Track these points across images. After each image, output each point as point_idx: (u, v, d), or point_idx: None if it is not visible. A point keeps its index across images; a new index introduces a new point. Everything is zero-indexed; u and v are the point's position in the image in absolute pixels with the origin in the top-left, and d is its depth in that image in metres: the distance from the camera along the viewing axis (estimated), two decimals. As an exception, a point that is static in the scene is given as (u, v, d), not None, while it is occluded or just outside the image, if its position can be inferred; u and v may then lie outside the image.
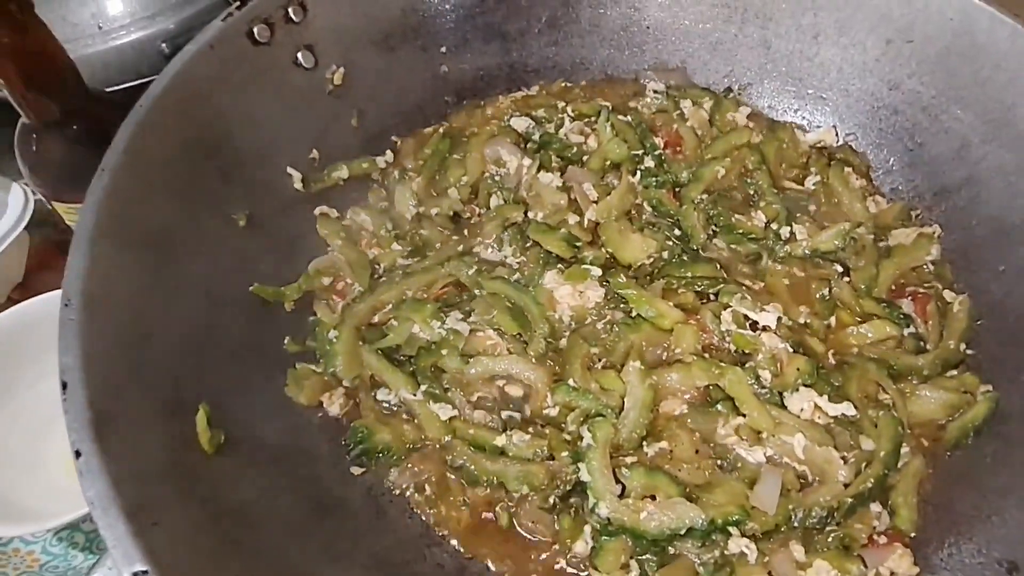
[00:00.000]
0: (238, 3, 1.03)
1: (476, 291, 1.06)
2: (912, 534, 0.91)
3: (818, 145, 1.28)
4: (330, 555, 0.81)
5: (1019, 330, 1.03)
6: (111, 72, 1.41)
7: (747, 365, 0.99)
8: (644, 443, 0.94)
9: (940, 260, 1.14)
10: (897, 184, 1.24)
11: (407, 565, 0.87)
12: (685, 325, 1.02)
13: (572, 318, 1.05)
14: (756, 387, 0.97)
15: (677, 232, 1.14)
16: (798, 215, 1.18)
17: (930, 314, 1.08)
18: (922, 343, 1.07)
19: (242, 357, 0.92)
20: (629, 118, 1.26)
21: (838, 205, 1.20)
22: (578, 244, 1.09)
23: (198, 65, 0.97)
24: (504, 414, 0.97)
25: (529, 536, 0.91)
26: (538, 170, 1.18)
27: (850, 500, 0.89)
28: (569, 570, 0.89)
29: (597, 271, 1.06)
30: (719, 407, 0.97)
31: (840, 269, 1.12)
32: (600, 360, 1.01)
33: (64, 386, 0.68)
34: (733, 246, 1.14)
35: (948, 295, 1.11)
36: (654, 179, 1.18)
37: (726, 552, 0.87)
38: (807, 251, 1.13)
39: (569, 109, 1.28)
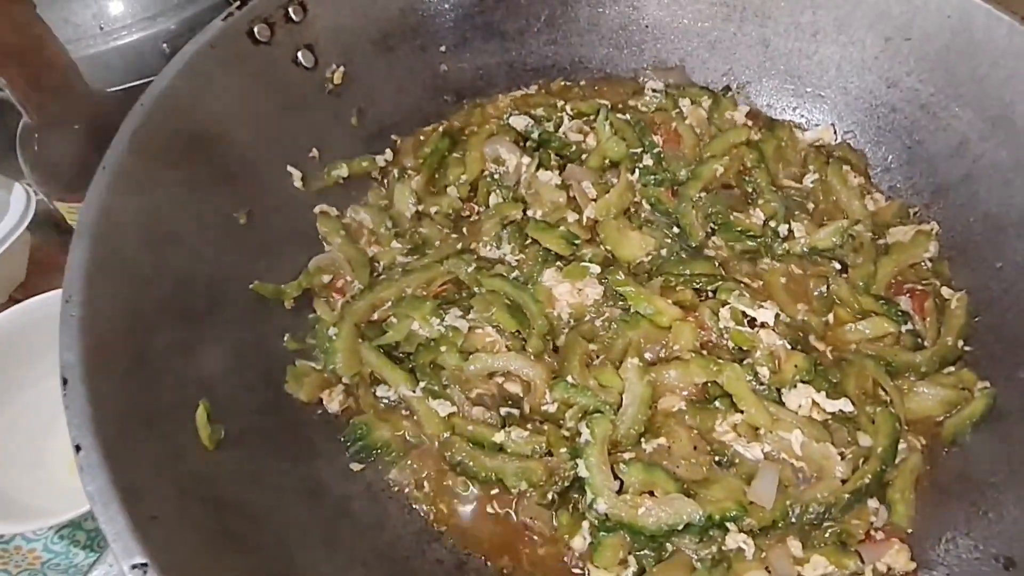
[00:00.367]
0: (238, 3, 1.03)
1: (475, 288, 1.06)
2: (909, 530, 0.91)
3: (816, 143, 1.28)
4: (330, 550, 0.81)
5: (1017, 327, 1.03)
6: (112, 72, 1.42)
7: (745, 362, 0.99)
8: (642, 439, 0.94)
9: (938, 257, 1.15)
10: (895, 182, 1.24)
11: (406, 561, 0.87)
12: (683, 322, 1.02)
13: (571, 315, 1.05)
14: (754, 384, 0.97)
15: (675, 230, 1.14)
16: (796, 213, 1.18)
17: (928, 311, 1.08)
18: (920, 340, 1.07)
19: (242, 354, 0.93)
20: (628, 117, 1.26)
21: (836, 203, 1.21)
22: (577, 242, 1.10)
23: (199, 64, 0.97)
24: (503, 411, 0.97)
25: (527, 532, 0.91)
26: (537, 168, 1.19)
27: (847, 496, 0.89)
28: (567, 566, 0.90)
29: (596, 268, 1.06)
30: (717, 404, 0.97)
31: (838, 266, 1.13)
32: (598, 357, 1.01)
33: (64, 382, 0.69)
34: (731, 244, 1.14)
35: (946, 292, 1.11)
36: (653, 177, 1.19)
37: (724, 548, 0.88)
38: (805, 249, 1.14)
39: (568, 108, 1.28)
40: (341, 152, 1.17)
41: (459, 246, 1.12)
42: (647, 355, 1.01)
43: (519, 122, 1.24)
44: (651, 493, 0.89)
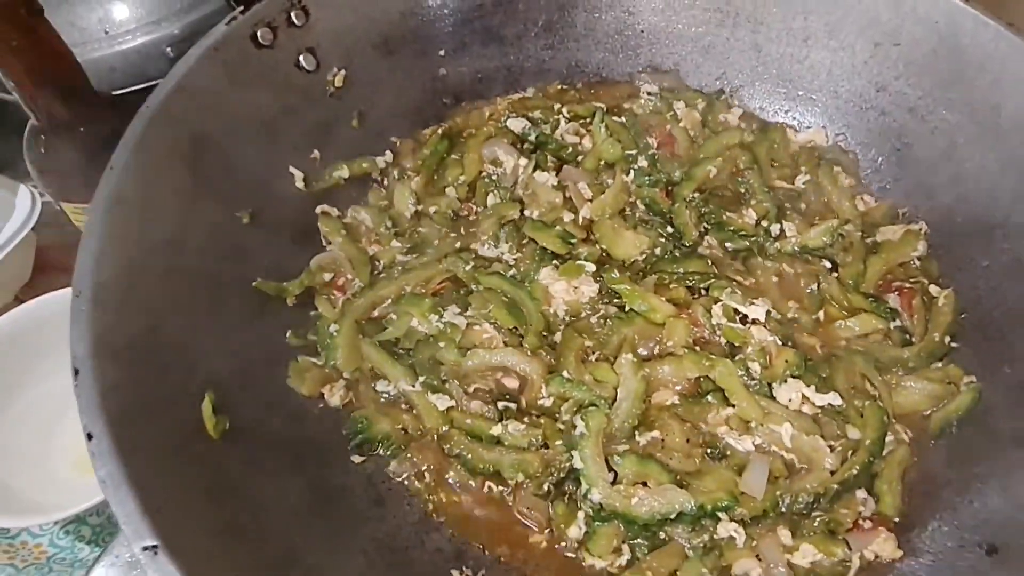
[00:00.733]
0: (242, 7, 1.05)
1: (473, 286, 1.08)
2: (896, 519, 0.93)
3: (808, 145, 1.30)
4: (332, 539, 0.83)
5: (1002, 323, 1.05)
6: (117, 75, 1.44)
7: (737, 357, 1.02)
8: (636, 432, 0.96)
9: (926, 256, 1.17)
10: (885, 183, 1.26)
11: (406, 550, 0.89)
12: (677, 319, 1.04)
13: (567, 312, 1.07)
14: (746, 378, 1.00)
15: (669, 229, 1.17)
16: (788, 213, 1.20)
17: (916, 308, 1.11)
18: (908, 336, 1.09)
19: (246, 349, 0.94)
20: (623, 119, 1.28)
21: (827, 203, 1.23)
22: (573, 241, 1.12)
23: (203, 67, 0.99)
24: (500, 404, 0.99)
25: (524, 522, 0.93)
26: (534, 169, 1.21)
27: (836, 486, 0.92)
28: (563, 554, 0.92)
29: (591, 267, 1.09)
30: (709, 398, 0.99)
31: (829, 265, 1.15)
32: (594, 353, 1.03)
33: (76, 372, 0.71)
34: (724, 243, 1.16)
35: (933, 290, 1.13)
36: (647, 178, 1.21)
37: (715, 536, 0.90)
38: (797, 248, 1.16)
39: (565, 110, 1.30)
40: (342, 153, 1.18)
41: (457, 245, 1.14)
42: (641, 351, 1.03)
43: (516, 124, 1.26)
44: (644, 484, 0.91)
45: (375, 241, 1.15)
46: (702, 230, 1.17)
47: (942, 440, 1.00)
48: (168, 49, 1.44)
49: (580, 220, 1.16)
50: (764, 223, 1.18)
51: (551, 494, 0.94)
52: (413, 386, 1.00)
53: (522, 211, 1.17)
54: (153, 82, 1.42)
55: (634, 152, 1.24)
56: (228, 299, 0.96)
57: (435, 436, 0.98)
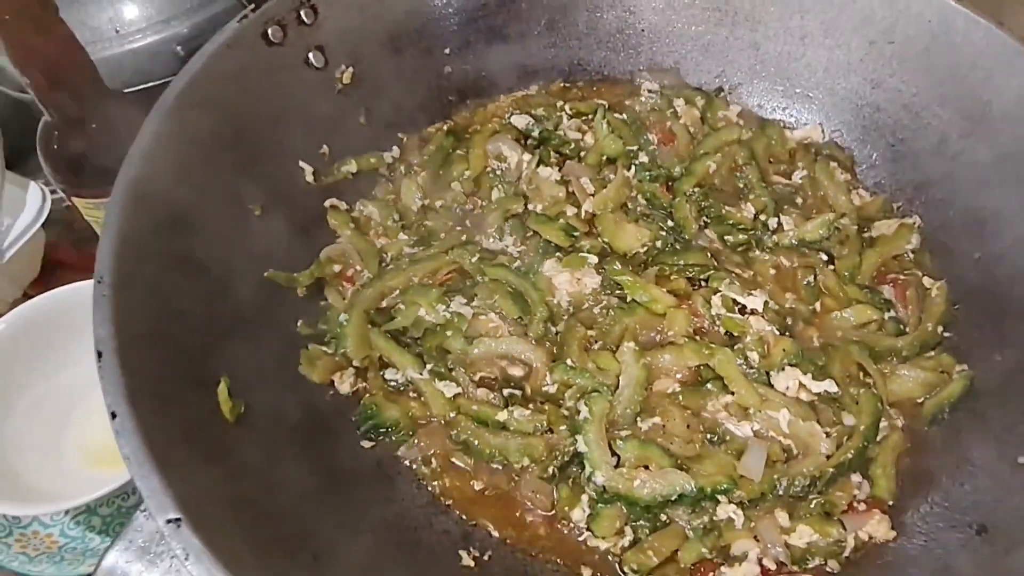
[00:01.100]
0: (253, 5, 1.08)
1: (479, 277, 1.10)
2: (890, 502, 0.96)
3: (805, 141, 1.33)
4: (343, 519, 0.85)
5: (993, 314, 1.08)
6: (127, 74, 1.46)
7: (736, 347, 1.04)
8: (638, 419, 0.98)
9: (920, 249, 1.19)
10: (880, 178, 1.29)
11: (415, 531, 0.91)
12: (677, 309, 1.06)
13: (570, 303, 1.10)
14: (744, 367, 1.02)
15: (670, 223, 1.19)
16: (785, 207, 1.23)
17: (910, 299, 1.13)
18: (902, 326, 1.12)
19: (259, 337, 0.97)
20: (624, 116, 1.31)
21: (823, 198, 1.25)
22: (576, 234, 1.14)
23: (216, 63, 1.01)
24: (505, 391, 1.01)
25: (529, 505, 0.96)
26: (538, 165, 1.23)
27: (831, 470, 0.94)
28: (567, 536, 0.94)
29: (594, 259, 1.11)
30: (709, 386, 1.02)
31: (825, 258, 1.17)
32: (596, 342, 1.06)
33: (99, 355, 0.73)
34: (723, 236, 1.18)
35: (927, 281, 1.16)
36: (648, 173, 1.23)
37: (715, 518, 0.92)
38: (794, 241, 1.18)
39: (567, 107, 1.33)
40: (350, 149, 1.20)
41: (463, 238, 1.16)
42: (643, 340, 1.05)
43: (520, 121, 1.29)
44: (646, 468, 0.94)
45: (383, 234, 1.18)
46: (702, 224, 1.20)
47: (935, 426, 1.03)
48: (178, 48, 1.46)
49: (583, 214, 1.18)
50: (762, 217, 1.21)
51: (556, 477, 0.96)
52: (421, 374, 1.02)
53: (526, 205, 1.20)
54: (163, 80, 1.46)
55: (635, 148, 1.26)
56: (241, 289, 0.98)
57: (442, 422, 1.00)
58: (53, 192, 1.43)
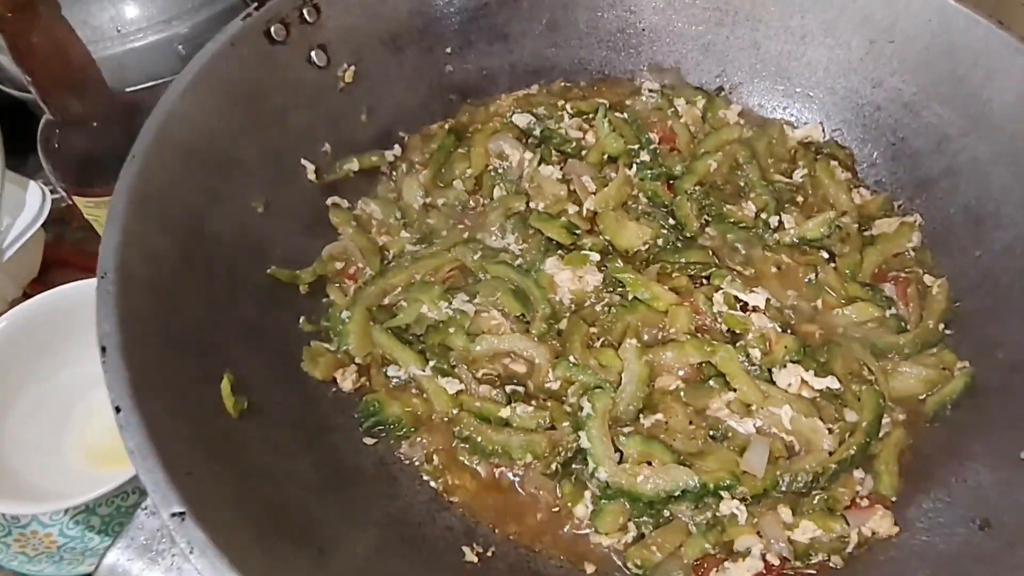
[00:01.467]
0: (256, 4, 1.08)
1: (481, 275, 1.10)
2: (893, 498, 0.96)
3: (805, 140, 1.33)
4: (347, 514, 0.85)
5: (994, 311, 1.08)
6: (129, 73, 1.46)
7: (738, 344, 1.04)
8: (641, 415, 0.98)
9: (920, 247, 1.20)
10: (880, 176, 1.29)
11: (419, 527, 0.91)
12: (679, 307, 1.07)
13: (572, 300, 1.09)
14: (746, 364, 1.02)
15: (671, 221, 1.19)
16: (786, 205, 1.23)
17: (911, 297, 1.14)
18: (903, 324, 1.12)
19: (261, 334, 0.97)
20: (625, 115, 1.31)
21: (824, 196, 1.26)
22: (577, 232, 1.14)
23: (220, 61, 1.01)
24: (508, 388, 1.01)
25: (532, 501, 0.95)
26: (539, 163, 1.23)
27: (834, 466, 0.94)
28: (571, 532, 0.94)
29: (596, 257, 1.11)
30: (711, 382, 1.01)
31: (826, 255, 1.17)
32: (599, 339, 1.06)
33: (103, 350, 0.73)
34: (725, 234, 1.18)
35: (928, 279, 1.16)
36: (649, 172, 1.23)
37: (718, 514, 0.92)
38: (795, 239, 1.19)
39: (568, 106, 1.33)
40: (352, 147, 1.21)
41: (465, 235, 1.16)
42: (645, 337, 1.06)
43: (521, 120, 1.29)
44: (649, 464, 0.94)
45: (384, 232, 1.18)
46: (703, 222, 1.20)
47: (937, 422, 1.03)
48: (180, 47, 1.47)
49: (584, 212, 1.18)
50: (763, 215, 1.21)
51: (559, 474, 0.96)
52: (423, 371, 1.02)
53: (528, 203, 1.20)
54: (164, 79, 1.46)
55: (636, 147, 1.27)
56: (244, 285, 0.98)
57: (445, 419, 1.00)
58: (52, 191, 1.43)
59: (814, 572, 0.91)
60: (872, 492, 0.96)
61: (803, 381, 1.01)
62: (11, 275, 1.43)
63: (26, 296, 1.38)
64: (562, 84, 1.40)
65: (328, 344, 1.04)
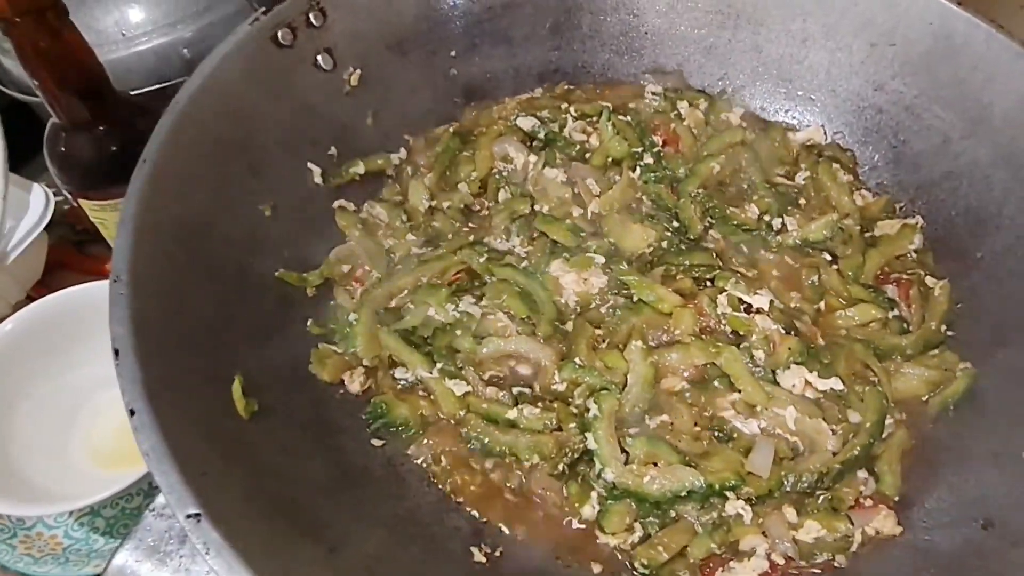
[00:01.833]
0: (264, 8, 1.09)
1: (487, 277, 1.11)
2: (896, 498, 0.96)
3: (807, 143, 1.34)
4: (356, 514, 0.86)
5: (996, 312, 1.09)
6: (133, 77, 1.47)
7: (742, 345, 1.05)
8: (646, 417, 0.99)
9: (922, 249, 1.20)
10: (882, 179, 1.30)
11: (427, 527, 0.92)
12: (683, 309, 1.07)
13: (577, 303, 1.10)
14: (750, 365, 1.03)
15: (675, 223, 1.20)
16: (789, 208, 1.24)
17: (913, 298, 1.14)
18: (905, 325, 1.13)
19: (269, 336, 0.98)
20: (629, 118, 1.32)
21: (826, 198, 1.26)
22: (582, 234, 1.15)
23: (228, 65, 1.02)
24: (515, 390, 1.02)
25: (539, 502, 0.96)
26: (543, 166, 1.24)
27: (838, 467, 0.95)
28: (578, 533, 0.95)
29: (600, 259, 1.12)
30: (716, 384, 1.02)
31: (829, 257, 1.18)
32: (604, 341, 1.06)
33: (116, 352, 0.73)
34: (728, 236, 1.19)
35: (930, 281, 1.17)
36: (653, 174, 1.24)
37: (723, 514, 0.93)
38: (798, 241, 1.19)
39: (572, 109, 1.33)
40: (358, 150, 1.21)
41: (471, 238, 1.17)
42: (650, 339, 1.06)
43: (526, 123, 1.30)
44: (655, 464, 0.95)
45: (390, 235, 1.18)
46: (706, 224, 1.20)
47: (939, 423, 1.04)
48: (185, 51, 1.47)
49: (589, 214, 1.19)
50: (766, 217, 1.22)
51: (565, 475, 0.96)
52: (430, 373, 1.02)
53: (532, 206, 1.20)
54: (168, 83, 1.47)
55: (640, 149, 1.27)
56: (252, 287, 0.99)
57: (452, 421, 1.00)
58: (56, 194, 1.43)
59: (819, 571, 0.92)
60: (875, 492, 0.97)
61: (807, 382, 1.02)
62: (15, 277, 1.44)
63: (29, 299, 1.39)
64: (566, 87, 1.41)
65: (336, 346, 1.05)
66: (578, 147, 1.28)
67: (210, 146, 0.98)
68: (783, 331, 1.06)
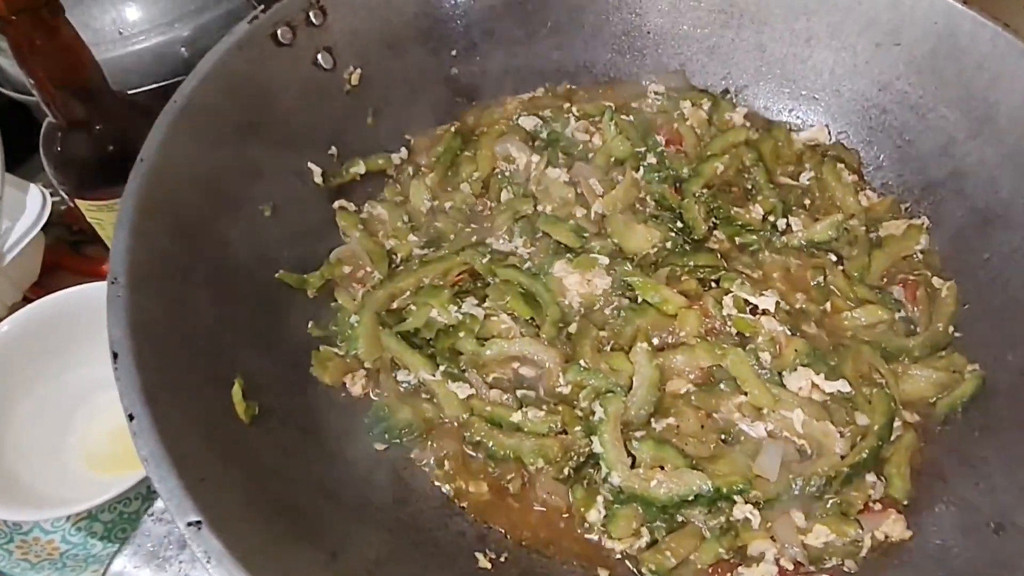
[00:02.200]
0: (263, 6, 1.07)
1: (490, 278, 1.10)
2: (905, 501, 0.95)
3: (811, 143, 1.33)
4: (358, 519, 0.85)
5: (1003, 313, 1.08)
6: (131, 76, 1.45)
7: (748, 347, 1.04)
8: (652, 420, 0.98)
9: (929, 249, 1.20)
10: (887, 179, 1.29)
11: (430, 532, 0.91)
12: (688, 310, 1.06)
13: (581, 304, 1.09)
14: (756, 367, 1.01)
15: (679, 224, 1.19)
16: (794, 208, 1.23)
17: (920, 299, 1.13)
18: (912, 326, 1.12)
19: (270, 338, 0.97)
20: (631, 118, 1.31)
21: (831, 199, 1.25)
22: (586, 235, 1.14)
23: (227, 64, 1.01)
24: (519, 392, 1.01)
25: (544, 507, 0.95)
26: (546, 166, 1.23)
27: (846, 471, 0.94)
28: (584, 538, 0.93)
29: (604, 260, 1.10)
30: (722, 386, 1.01)
31: (834, 258, 1.17)
32: (609, 343, 1.05)
33: (115, 356, 0.72)
34: (733, 237, 1.18)
35: (936, 281, 1.16)
36: (656, 174, 1.23)
37: (731, 518, 0.92)
38: (803, 242, 1.18)
39: (574, 109, 1.33)
40: (358, 150, 1.20)
41: (473, 239, 1.16)
42: (655, 341, 1.05)
43: (528, 122, 1.29)
44: (662, 468, 0.93)
45: (392, 235, 1.17)
46: (711, 224, 1.20)
47: (948, 425, 1.03)
48: (182, 50, 1.46)
49: (592, 215, 1.18)
50: (771, 218, 1.21)
51: (571, 479, 0.95)
52: (433, 375, 1.01)
53: (535, 206, 1.19)
54: (166, 82, 1.45)
55: (643, 149, 1.26)
56: (252, 289, 0.97)
57: (456, 424, 0.99)
58: (53, 194, 1.42)
59: (828, 576, 0.91)
60: (884, 496, 0.95)
61: (814, 384, 1.01)
62: (11, 279, 1.43)
63: (26, 300, 1.38)
64: (568, 87, 1.40)
65: (337, 349, 1.04)
66: (581, 147, 1.27)
67: (209, 146, 0.97)
68: (789, 332, 1.05)
